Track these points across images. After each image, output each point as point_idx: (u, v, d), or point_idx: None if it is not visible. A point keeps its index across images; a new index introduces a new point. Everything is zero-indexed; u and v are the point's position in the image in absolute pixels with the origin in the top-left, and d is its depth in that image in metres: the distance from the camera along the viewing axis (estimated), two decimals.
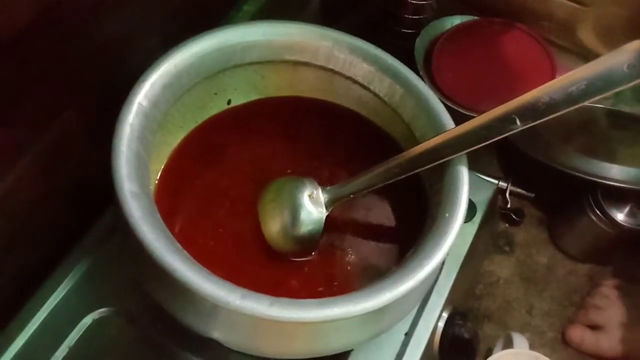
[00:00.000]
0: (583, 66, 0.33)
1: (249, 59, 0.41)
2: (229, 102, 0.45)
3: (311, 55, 0.42)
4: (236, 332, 0.33)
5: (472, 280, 0.59)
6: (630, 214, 0.57)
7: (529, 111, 0.34)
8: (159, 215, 0.32)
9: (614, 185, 0.54)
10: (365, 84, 0.42)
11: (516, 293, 0.60)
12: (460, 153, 0.36)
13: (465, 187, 0.36)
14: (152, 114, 0.35)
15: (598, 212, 0.57)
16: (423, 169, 0.37)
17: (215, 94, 0.44)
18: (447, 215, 0.35)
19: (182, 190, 0.40)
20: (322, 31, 0.41)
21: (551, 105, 0.33)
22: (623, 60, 0.31)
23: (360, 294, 0.31)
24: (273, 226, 0.39)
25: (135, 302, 0.41)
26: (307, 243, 0.39)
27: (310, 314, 0.30)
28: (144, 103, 0.34)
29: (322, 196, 0.39)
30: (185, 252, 0.31)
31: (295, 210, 0.38)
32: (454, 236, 0.34)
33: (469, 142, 0.35)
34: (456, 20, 0.64)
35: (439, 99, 0.57)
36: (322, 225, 0.39)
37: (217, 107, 0.45)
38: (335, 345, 0.36)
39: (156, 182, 0.40)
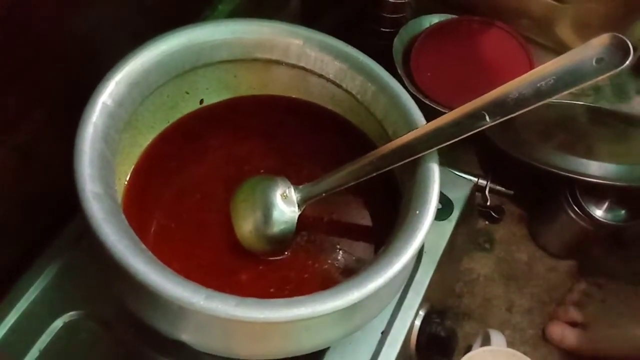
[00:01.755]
0: (552, 61, 0.33)
1: (219, 57, 0.41)
2: (201, 102, 0.45)
3: (282, 54, 0.42)
4: (204, 334, 0.32)
5: (452, 278, 0.59)
6: (609, 211, 0.57)
7: (498, 107, 0.34)
8: (123, 217, 0.31)
9: (591, 182, 0.54)
10: (338, 81, 0.42)
11: (496, 290, 0.60)
12: (431, 150, 0.36)
13: (436, 184, 0.36)
14: (117, 113, 0.34)
15: (576, 208, 0.57)
16: (395, 166, 0.37)
17: (187, 93, 0.43)
18: (417, 212, 0.34)
19: (152, 190, 0.40)
20: (293, 29, 0.41)
21: (520, 101, 0.33)
22: (591, 54, 0.31)
23: (329, 292, 0.31)
24: (245, 226, 0.38)
25: (107, 305, 0.41)
26: (280, 242, 0.39)
27: (277, 314, 0.29)
28: (109, 102, 0.34)
29: (294, 195, 0.39)
30: (149, 253, 0.30)
31: (267, 209, 0.38)
32: (424, 233, 0.34)
33: (440, 139, 0.35)
34: (435, 19, 0.64)
35: (418, 97, 0.58)
36: (295, 225, 0.39)
37: (189, 106, 0.44)
38: (307, 345, 0.35)
39: (126, 182, 0.40)
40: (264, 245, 0.39)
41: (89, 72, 0.37)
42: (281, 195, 0.39)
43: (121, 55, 0.38)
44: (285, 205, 0.38)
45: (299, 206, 0.39)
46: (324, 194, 0.38)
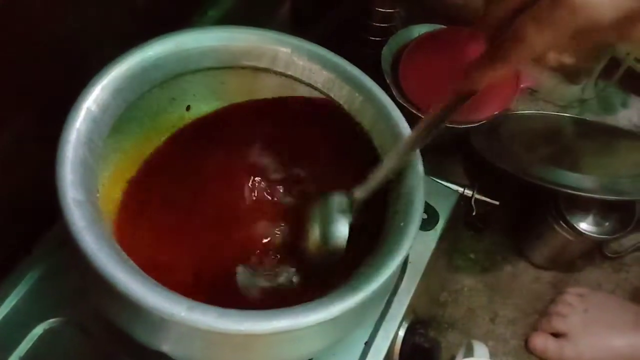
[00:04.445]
0: None
1: (207, 64, 0.40)
2: (188, 108, 0.44)
3: (270, 62, 0.41)
4: (185, 345, 0.32)
5: (436, 287, 0.59)
6: (593, 223, 0.58)
7: None
8: (104, 225, 0.31)
9: (575, 194, 0.54)
10: (326, 91, 0.42)
11: (480, 301, 0.60)
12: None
13: (421, 197, 0.36)
14: (101, 119, 0.34)
15: (561, 220, 0.57)
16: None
17: (174, 99, 0.43)
18: (402, 224, 0.34)
19: (135, 197, 0.39)
20: (281, 37, 0.41)
21: None
22: None
23: (311, 305, 0.30)
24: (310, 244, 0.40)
25: (87, 311, 0.41)
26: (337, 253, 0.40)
27: (258, 326, 0.29)
28: (93, 108, 0.33)
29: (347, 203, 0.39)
30: (131, 262, 0.30)
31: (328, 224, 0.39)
32: (408, 246, 0.34)
33: None
34: (423, 28, 0.64)
35: (406, 107, 0.58)
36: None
37: (176, 112, 0.44)
38: (290, 356, 0.35)
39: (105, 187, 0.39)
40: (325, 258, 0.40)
41: (76, 76, 0.37)
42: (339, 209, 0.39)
43: (109, 60, 0.37)
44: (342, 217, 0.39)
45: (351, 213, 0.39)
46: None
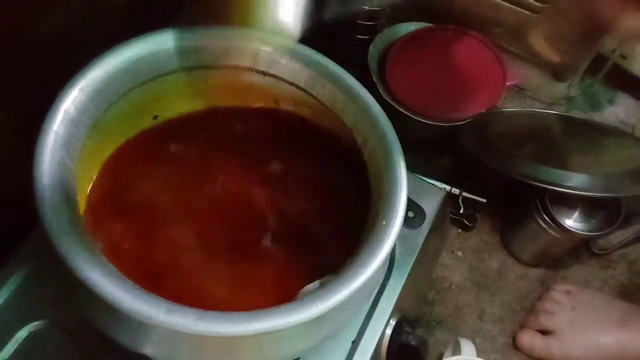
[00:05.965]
0: None
1: (188, 64, 0.40)
2: (171, 107, 0.44)
3: (252, 61, 0.41)
4: (167, 348, 0.32)
5: (424, 285, 0.59)
6: (579, 220, 0.58)
7: None
8: (83, 228, 0.31)
9: (562, 191, 0.54)
10: (309, 89, 0.42)
11: (468, 298, 0.60)
12: None
13: (403, 195, 0.36)
14: (80, 120, 0.33)
15: (546, 217, 0.58)
16: None
17: (157, 99, 0.42)
18: (384, 223, 0.34)
19: (116, 198, 0.39)
20: (262, 36, 0.40)
21: None
22: None
23: (292, 305, 0.30)
24: None
25: (72, 313, 0.40)
26: None
27: (239, 328, 0.29)
28: (71, 110, 0.33)
29: None
30: (110, 265, 0.30)
31: None
32: (390, 245, 0.34)
33: None
34: (410, 27, 0.64)
35: (392, 104, 0.58)
36: None
37: (160, 113, 0.43)
38: (274, 356, 0.35)
39: (89, 190, 0.39)
40: None
41: (57, 77, 0.37)
42: None
43: (91, 58, 0.37)
44: None
45: None
46: None
